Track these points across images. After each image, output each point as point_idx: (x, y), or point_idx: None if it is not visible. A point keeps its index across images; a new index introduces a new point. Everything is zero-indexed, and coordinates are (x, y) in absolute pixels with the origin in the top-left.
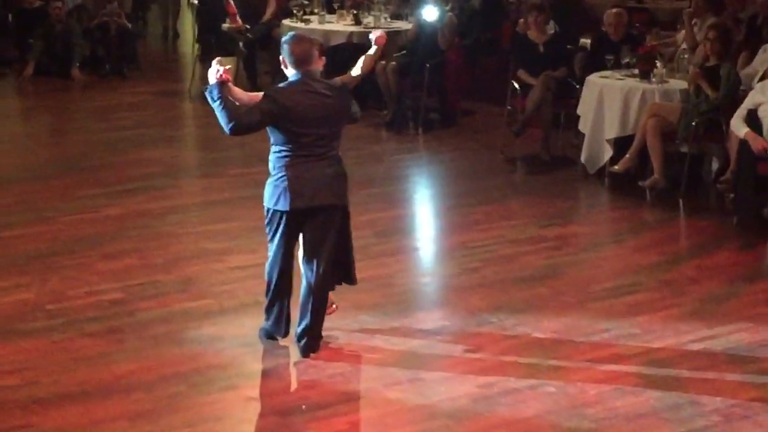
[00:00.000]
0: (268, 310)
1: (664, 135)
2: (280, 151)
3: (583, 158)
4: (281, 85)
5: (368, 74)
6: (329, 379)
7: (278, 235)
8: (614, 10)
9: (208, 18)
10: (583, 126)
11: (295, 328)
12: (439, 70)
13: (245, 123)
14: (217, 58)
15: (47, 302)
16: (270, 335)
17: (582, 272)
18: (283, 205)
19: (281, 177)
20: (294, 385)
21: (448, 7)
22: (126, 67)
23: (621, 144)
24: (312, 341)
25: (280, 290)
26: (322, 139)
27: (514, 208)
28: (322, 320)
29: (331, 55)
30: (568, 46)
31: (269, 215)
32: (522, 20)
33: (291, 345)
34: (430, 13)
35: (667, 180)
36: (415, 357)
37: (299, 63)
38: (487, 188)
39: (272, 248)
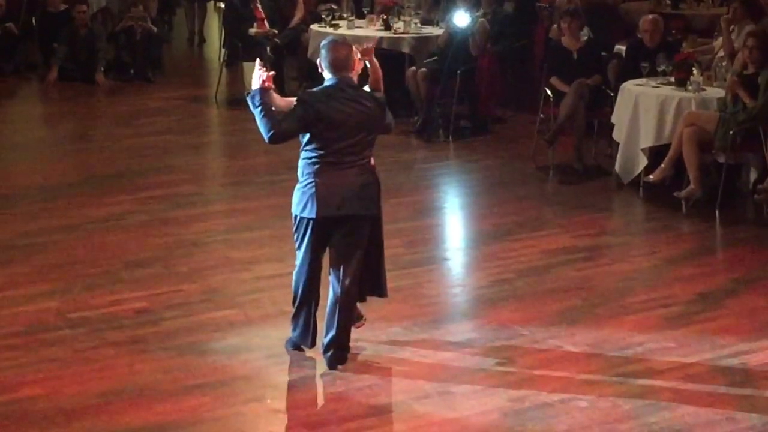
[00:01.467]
0: (295, 320)
1: (701, 144)
2: (310, 158)
3: (617, 168)
4: (316, 89)
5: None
6: (357, 392)
7: (305, 243)
8: (650, 17)
9: (235, 22)
10: (618, 135)
11: (322, 339)
12: (470, 76)
13: (284, 130)
14: (260, 62)
15: (70, 311)
16: (296, 346)
17: (615, 284)
18: (311, 212)
19: (310, 183)
20: (321, 398)
21: (479, 13)
22: (151, 72)
23: (656, 153)
24: (339, 353)
25: (306, 300)
26: (354, 147)
27: (547, 218)
28: (349, 332)
29: None
30: (603, 53)
31: (296, 222)
32: (555, 26)
33: (318, 356)
34: (461, 19)
35: (703, 190)
36: (445, 370)
37: (336, 68)
38: (518, 198)
39: (299, 256)
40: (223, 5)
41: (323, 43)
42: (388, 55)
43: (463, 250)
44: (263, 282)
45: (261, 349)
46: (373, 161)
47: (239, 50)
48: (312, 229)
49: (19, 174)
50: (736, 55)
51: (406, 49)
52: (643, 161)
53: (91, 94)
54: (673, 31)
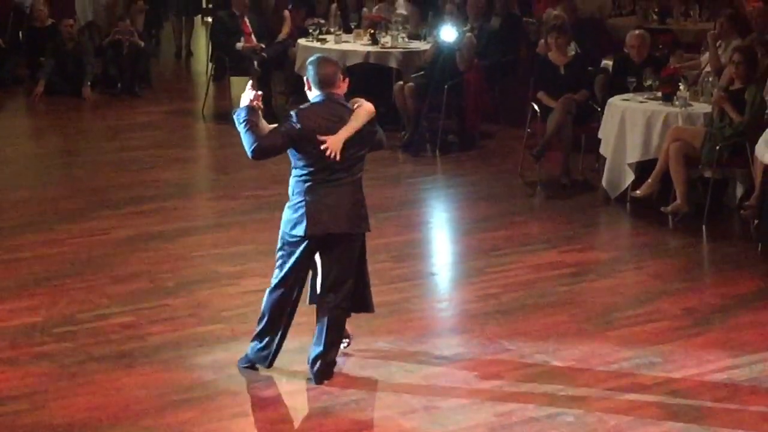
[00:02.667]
0: (258, 340)
1: (688, 159)
2: (300, 175)
3: (604, 182)
4: (304, 106)
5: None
6: (343, 407)
7: (290, 262)
8: (637, 32)
9: (223, 37)
10: (605, 150)
11: (309, 353)
12: (457, 91)
13: (267, 146)
14: (250, 82)
15: (56, 325)
16: (251, 364)
17: (602, 299)
18: (300, 231)
19: (300, 202)
20: (306, 413)
21: (466, 28)
22: (138, 87)
23: (643, 168)
24: (326, 367)
25: (277, 324)
26: (343, 164)
27: (534, 233)
28: (337, 348)
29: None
30: (590, 68)
31: (284, 240)
32: (542, 41)
33: (304, 371)
34: (448, 34)
35: (690, 205)
36: (431, 384)
37: (324, 85)
38: (505, 212)
39: (279, 276)
40: (210, 19)
41: (310, 59)
42: (376, 70)
43: (450, 265)
44: (250, 296)
45: None
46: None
47: (226, 64)
48: (301, 249)
49: (5, 188)
50: (723, 70)
51: (393, 64)
52: (629, 176)
53: (77, 108)
54: (660, 46)
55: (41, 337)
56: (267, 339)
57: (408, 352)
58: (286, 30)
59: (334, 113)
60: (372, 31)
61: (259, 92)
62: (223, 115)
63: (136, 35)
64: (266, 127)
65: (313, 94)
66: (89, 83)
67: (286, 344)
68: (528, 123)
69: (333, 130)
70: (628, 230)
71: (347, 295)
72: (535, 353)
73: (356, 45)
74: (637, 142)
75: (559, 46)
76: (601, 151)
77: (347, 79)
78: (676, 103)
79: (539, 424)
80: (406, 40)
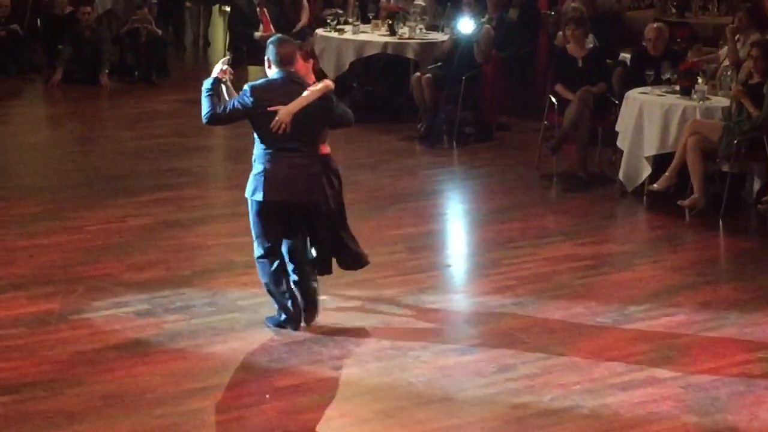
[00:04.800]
0: (274, 300)
1: (705, 153)
2: (260, 146)
3: (621, 176)
4: (259, 81)
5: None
6: (359, 397)
7: (259, 228)
8: (655, 25)
9: (240, 26)
10: (622, 143)
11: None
12: (475, 83)
13: (220, 113)
14: (225, 58)
15: (72, 313)
16: (280, 325)
17: (618, 292)
18: (259, 197)
19: (260, 170)
20: (323, 403)
21: (484, 19)
22: (156, 75)
23: (660, 162)
24: (313, 311)
25: (279, 287)
26: (299, 137)
27: (550, 226)
28: (314, 294)
29: (364, 65)
30: (608, 61)
31: (250, 205)
32: (560, 33)
33: (320, 361)
34: (465, 26)
35: (707, 199)
36: (447, 376)
37: (283, 63)
38: (522, 205)
39: (256, 245)
40: (228, 8)
41: (270, 40)
42: (393, 61)
43: (466, 257)
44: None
45: (262, 353)
46: (327, 150)
47: (244, 54)
48: (263, 212)
49: (22, 175)
50: (742, 64)
51: (410, 55)
52: (647, 169)
53: (95, 96)
54: (678, 40)
55: (58, 324)
56: (279, 305)
57: (423, 344)
58: (304, 20)
59: (289, 90)
60: (390, 22)
61: (228, 67)
62: None
63: (154, 24)
64: (232, 94)
65: (273, 71)
66: (107, 71)
67: (303, 335)
68: (545, 115)
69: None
70: (644, 224)
71: (306, 260)
72: (551, 345)
73: (374, 36)
74: (654, 135)
75: (576, 38)
76: (619, 144)
77: (312, 60)
78: (694, 96)
79: (555, 417)
80: (424, 31)
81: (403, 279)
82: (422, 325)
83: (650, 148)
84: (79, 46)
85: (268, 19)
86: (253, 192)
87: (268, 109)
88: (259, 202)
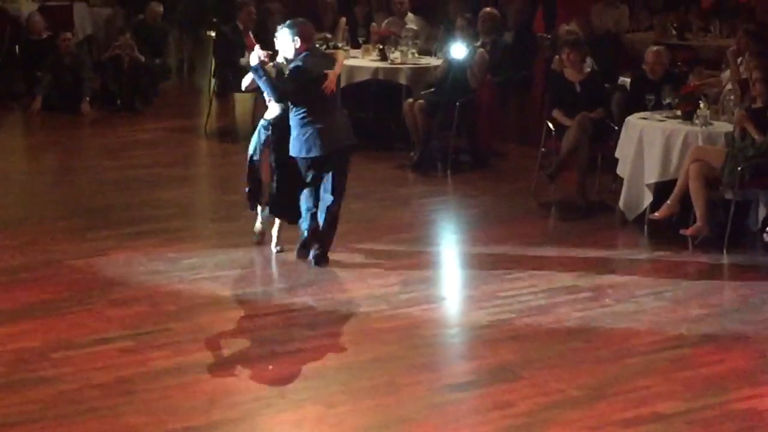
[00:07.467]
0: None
1: (708, 180)
2: (302, 111)
3: (621, 204)
4: (300, 60)
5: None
6: None
7: (309, 179)
8: (654, 48)
9: (226, 51)
10: (622, 170)
11: (300, 246)
12: (469, 108)
13: (286, 90)
14: (257, 45)
15: (53, 350)
16: (306, 245)
17: (620, 325)
18: (315, 152)
19: (309, 131)
20: None
21: (478, 43)
22: (139, 102)
23: (662, 189)
24: (322, 254)
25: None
26: (336, 96)
27: (548, 256)
28: (331, 241)
29: (353, 92)
30: (606, 85)
31: (299, 161)
32: (558, 57)
33: (311, 400)
34: (458, 51)
35: (710, 228)
36: (442, 414)
37: (309, 39)
38: (519, 235)
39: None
40: (213, 33)
41: (287, 23)
42: (384, 87)
43: (461, 289)
44: (253, 321)
45: (249, 392)
46: None
47: (230, 80)
48: (313, 166)
49: (0, 207)
50: (745, 87)
51: (402, 80)
52: (648, 197)
53: (76, 125)
54: (679, 63)
55: (38, 362)
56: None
57: (417, 380)
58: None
59: (322, 60)
60: (381, 47)
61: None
62: (227, 132)
63: (136, 50)
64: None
65: (297, 48)
66: (88, 99)
67: (290, 373)
68: (542, 142)
69: (322, 73)
70: (646, 254)
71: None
72: (550, 381)
73: (364, 61)
74: (655, 162)
75: (573, 62)
76: (618, 171)
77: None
78: (697, 121)
79: None
80: (417, 55)
81: (396, 312)
82: (416, 360)
83: (651, 176)
84: (59, 73)
85: (255, 44)
86: (307, 150)
87: (325, 72)
88: (314, 157)
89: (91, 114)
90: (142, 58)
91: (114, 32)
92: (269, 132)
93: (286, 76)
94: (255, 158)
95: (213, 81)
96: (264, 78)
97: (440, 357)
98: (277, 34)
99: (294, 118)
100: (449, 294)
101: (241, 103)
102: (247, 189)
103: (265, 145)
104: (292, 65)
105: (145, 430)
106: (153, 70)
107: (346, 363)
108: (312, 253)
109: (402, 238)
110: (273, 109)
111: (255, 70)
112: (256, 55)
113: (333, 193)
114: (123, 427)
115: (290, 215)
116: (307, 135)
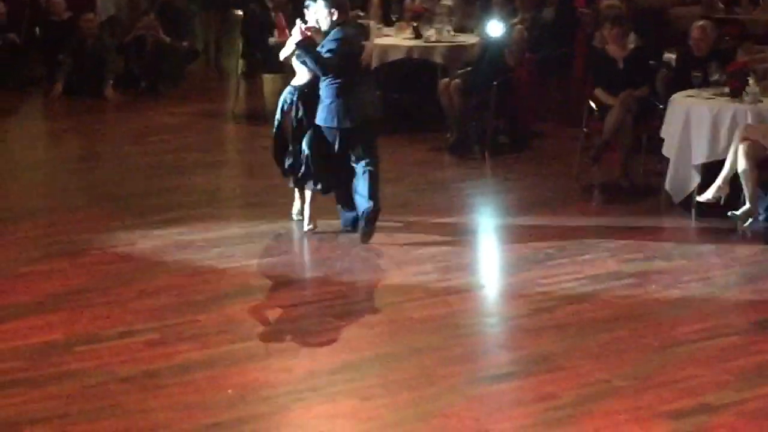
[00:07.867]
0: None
1: (758, 161)
2: (334, 82)
3: (667, 186)
4: (339, 32)
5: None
6: (386, 428)
7: (337, 147)
8: (699, 23)
9: (254, 31)
10: (668, 150)
11: (346, 218)
12: (507, 88)
13: (332, 63)
14: (297, 19)
15: (78, 343)
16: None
17: (666, 312)
18: (347, 123)
19: (339, 102)
20: None
21: (516, 20)
22: (163, 85)
23: (709, 170)
24: (373, 223)
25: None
26: (367, 68)
27: (591, 241)
28: (378, 209)
29: (388, 71)
30: (651, 62)
31: (328, 132)
32: (599, 33)
33: (340, 393)
34: (495, 29)
35: (760, 211)
36: (481, 406)
37: (345, 10)
38: (560, 219)
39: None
40: (241, 13)
41: None
42: (419, 66)
43: (501, 277)
44: (285, 311)
45: (282, 385)
46: None
47: (258, 61)
48: (341, 136)
49: (22, 196)
50: None
51: (438, 60)
52: (695, 179)
53: (99, 109)
54: (727, 38)
55: (62, 356)
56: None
57: (455, 371)
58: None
59: (358, 31)
60: (415, 24)
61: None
62: (255, 115)
63: (161, 31)
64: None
65: (335, 19)
66: (111, 82)
67: (325, 367)
68: (584, 122)
69: (361, 44)
70: (693, 237)
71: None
72: (594, 371)
73: (398, 39)
74: (703, 142)
75: (615, 38)
76: (664, 151)
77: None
78: (746, 99)
79: None
80: (452, 33)
81: (434, 301)
82: (455, 350)
83: (699, 156)
84: (81, 56)
85: (285, 23)
86: (339, 121)
87: (363, 42)
88: (346, 128)
89: (114, 98)
90: (167, 39)
91: (138, 12)
92: (295, 97)
93: (325, 48)
94: (279, 124)
95: (241, 62)
96: (310, 54)
97: (479, 347)
98: (308, 7)
99: (327, 87)
100: (488, 281)
101: (270, 84)
102: (285, 165)
103: (287, 111)
104: (331, 36)
105: (173, 425)
106: (179, 51)
107: (381, 354)
108: (361, 228)
109: (438, 223)
110: (302, 75)
111: (301, 47)
112: (297, 30)
113: (366, 155)
114: (149, 422)
115: (324, 184)
116: (337, 105)
